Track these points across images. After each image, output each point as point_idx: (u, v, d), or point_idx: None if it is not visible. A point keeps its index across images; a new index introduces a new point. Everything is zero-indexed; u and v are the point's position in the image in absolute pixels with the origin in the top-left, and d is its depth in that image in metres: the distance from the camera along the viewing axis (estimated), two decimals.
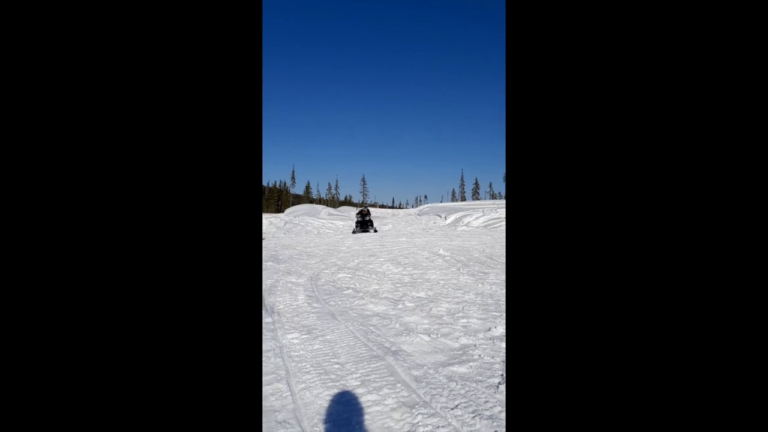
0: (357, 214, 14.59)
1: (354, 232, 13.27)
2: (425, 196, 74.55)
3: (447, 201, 55.96)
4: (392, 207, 57.87)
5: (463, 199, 58.08)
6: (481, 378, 1.98)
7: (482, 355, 2.26)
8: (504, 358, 2.21)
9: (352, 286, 4.31)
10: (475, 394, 1.81)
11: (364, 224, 13.65)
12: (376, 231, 13.32)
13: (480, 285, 4.14)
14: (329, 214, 17.43)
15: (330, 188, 64.91)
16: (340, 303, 3.59)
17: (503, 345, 2.41)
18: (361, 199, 64.07)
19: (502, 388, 1.86)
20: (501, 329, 2.69)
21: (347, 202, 64.47)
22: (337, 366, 2.16)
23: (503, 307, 3.27)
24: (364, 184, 64.44)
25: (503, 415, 1.63)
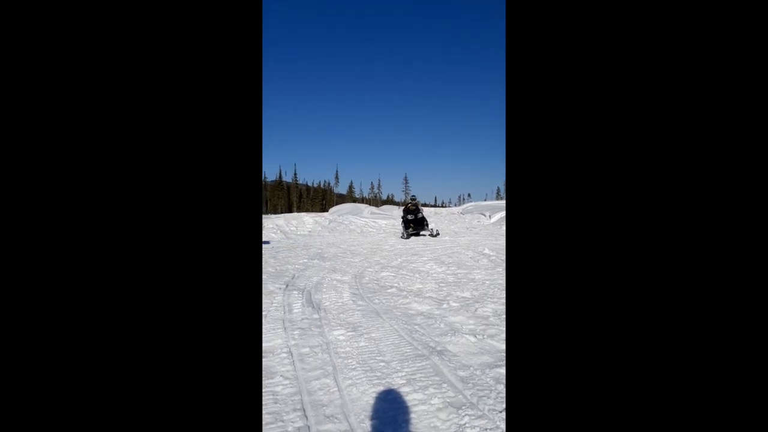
0: (403, 210, 10.85)
1: (403, 235, 9.79)
2: (468, 195, 73.28)
3: (491, 199, 54.64)
4: (435, 206, 57.32)
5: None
6: None
7: None
8: None
9: (396, 284, 4.33)
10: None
11: (416, 223, 9.97)
12: (437, 234, 9.85)
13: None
14: (372, 213, 17.54)
15: (372, 187, 65.51)
16: (384, 301, 3.62)
17: None
18: (403, 197, 64.11)
19: None
20: None
21: (389, 201, 64.78)
22: (382, 364, 2.18)
23: None
24: (407, 183, 64.43)
25: None
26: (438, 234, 9.99)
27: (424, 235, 10.15)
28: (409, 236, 9.77)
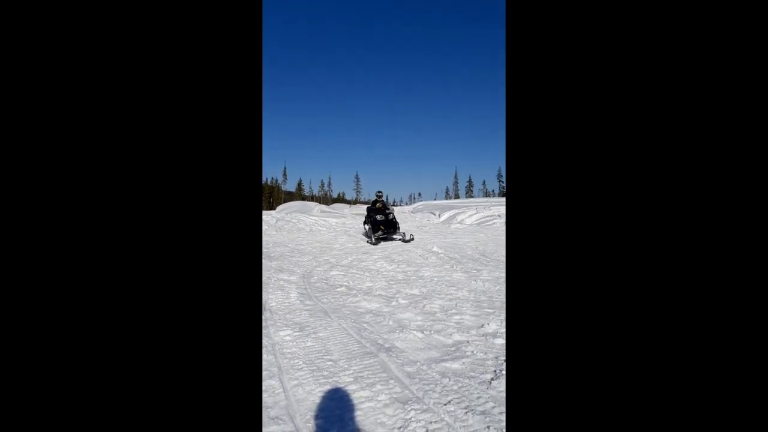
0: (368, 209, 9.17)
1: (370, 240, 8.16)
2: (419, 194, 74.70)
3: (441, 198, 56.11)
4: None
5: (457, 196, 58.26)
6: (473, 374, 1.98)
7: (475, 352, 2.27)
8: (496, 355, 2.22)
9: (345, 283, 4.30)
10: (468, 390, 1.81)
11: (387, 225, 8.33)
12: (411, 239, 8.19)
13: (473, 282, 4.15)
14: (322, 211, 17.30)
15: (323, 185, 64.78)
16: (333, 300, 3.58)
17: (496, 341, 2.42)
18: (354, 196, 63.98)
19: (495, 383, 1.87)
20: (494, 326, 2.70)
21: (340, 199, 64.36)
22: (330, 363, 2.15)
23: (496, 304, 3.28)
24: (358, 181, 64.42)
25: (496, 411, 1.63)
26: (412, 239, 8.20)
27: (395, 239, 8.44)
28: (378, 241, 8.03)
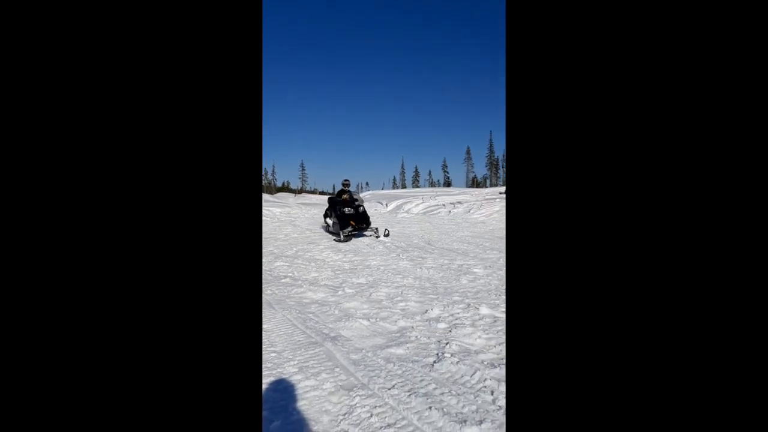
0: (332, 200, 7.80)
1: (339, 237, 6.86)
2: (366, 183, 74.77)
3: (388, 188, 56.58)
4: (331, 194, 57.40)
5: (404, 186, 59.08)
6: (417, 358, 2.05)
7: (419, 336, 2.34)
8: (439, 339, 2.30)
9: (290, 274, 4.23)
10: (411, 374, 1.87)
11: (358, 219, 7.00)
12: (387, 234, 7.20)
13: (418, 269, 4.26)
14: (265, 201, 16.78)
15: (266, 174, 62.68)
16: (277, 292, 3.51)
17: (438, 326, 2.51)
18: (299, 185, 62.65)
19: (437, 366, 1.94)
20: (437, 311, 2.80)
21: (285, 189, 62.79)
22: (274, 354, 2.12)
23: (439, 290, 3.40)
24: (303, 170, 63.10)
25: (437, 392, 1.71)
26: (388, 234, 7.21)
27: (366, 235, 7.16)
28: (348, 237, 6.74)
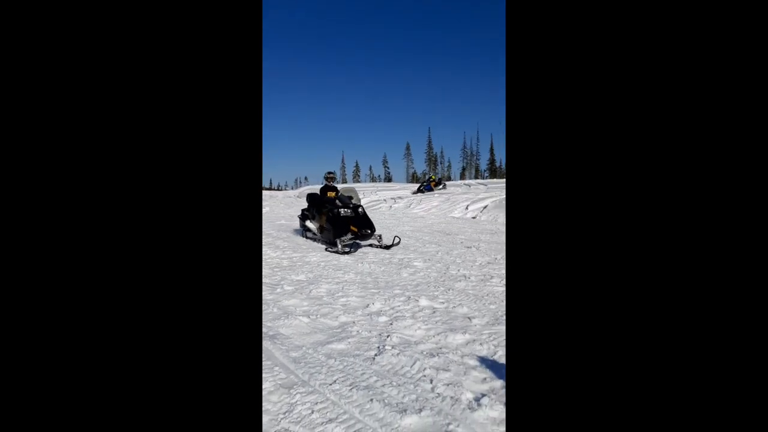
0: (318, 199, 5.87)
1: (333, 246, 5.13)
2: (305, 178, 73.25)
3: None
4: (270, 188, 55.55)
5: (345, 181, 58.81)
6: (358, 352, 2.06)
7: (360, 331, 2.35)
8: (380, 332, 2.34)
9: None
10: (352, 368, 1.88)
11: (360, 224, 5.15)
12: (397, 242, 5.41)
13: (360, 264, 4.28)
14: None
15: None
16: None
17: (380, 319, 2.55)
18: None
19: (378, 359, 1.97)
20: (378, 305, 2.83)
21: None
22: None
23: (381, 284, 3.44)
24: None
25: (378, 384, 1.73)
26: (398, 243, 5.37)
27: (358, 242, 5.25)
28: (346, 248, 4.98)
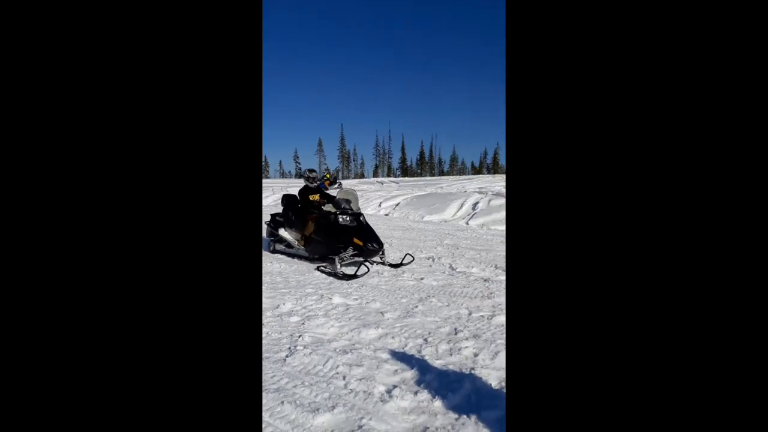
0: (298, 201, 4.51)
1: (332, 267, 3.69)
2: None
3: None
4: None
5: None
6: (268, 354, 1.99)
7: (270, 333, 2.27)
8: (291, 333, 2.28)
9: None
10: (263, 372, 1.80)
11: (366, 236, 3.79)
12: (410, 260, 4.12)
13: (269, 264, 4.12)
14: None
15: None
16: None
17: (291, 320, 2.48)
18: None
19: (290, 360, 1.92)
20: (289, 305, 2.76)
21: None
22: None
23: (291, 284, 3.36)
24: None
25: (289, 386, 1.69)
26: (411, 261, 4.14)
27: (365, 262, 3.89)
28: (351, 266, 3.86)
